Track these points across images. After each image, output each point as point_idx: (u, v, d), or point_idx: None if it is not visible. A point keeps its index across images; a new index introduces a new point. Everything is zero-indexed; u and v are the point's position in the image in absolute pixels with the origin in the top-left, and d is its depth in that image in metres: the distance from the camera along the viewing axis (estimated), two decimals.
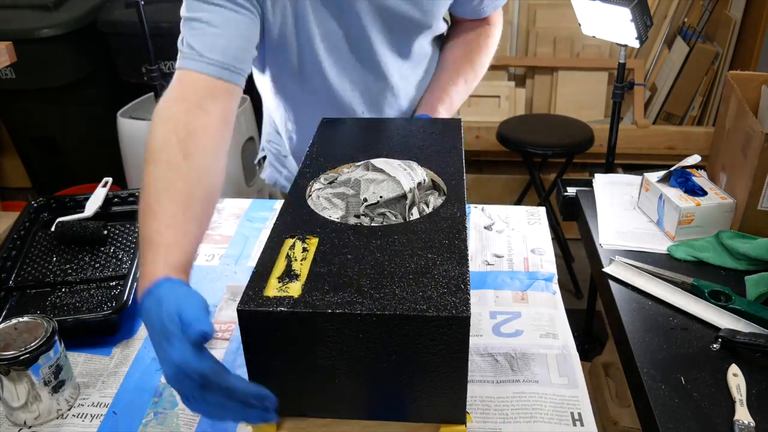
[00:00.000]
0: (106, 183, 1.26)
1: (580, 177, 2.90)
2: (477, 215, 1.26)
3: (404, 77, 1.19)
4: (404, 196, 0.85)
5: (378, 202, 0.85)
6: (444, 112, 1.19)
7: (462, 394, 0.72)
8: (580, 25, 1.87)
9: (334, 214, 0.85)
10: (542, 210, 1.26)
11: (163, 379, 0.89)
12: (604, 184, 1.39)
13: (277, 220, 0.81)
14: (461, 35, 1.23)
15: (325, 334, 0.67)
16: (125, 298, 0.97)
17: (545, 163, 2.70)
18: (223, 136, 0.90)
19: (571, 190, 1.41)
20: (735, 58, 2.87)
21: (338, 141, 1.03)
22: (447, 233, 0.77)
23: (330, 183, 0.93)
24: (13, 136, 2.81)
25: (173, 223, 0.76)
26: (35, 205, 1.24)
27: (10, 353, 0.78)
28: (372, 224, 0.83)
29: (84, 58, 2.60)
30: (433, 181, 0.92)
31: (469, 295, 0.67)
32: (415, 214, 0.85)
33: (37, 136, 2.75)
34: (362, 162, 0.93)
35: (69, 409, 0.85)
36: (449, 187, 0.88)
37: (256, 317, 0.67)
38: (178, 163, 0.81)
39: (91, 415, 0.84)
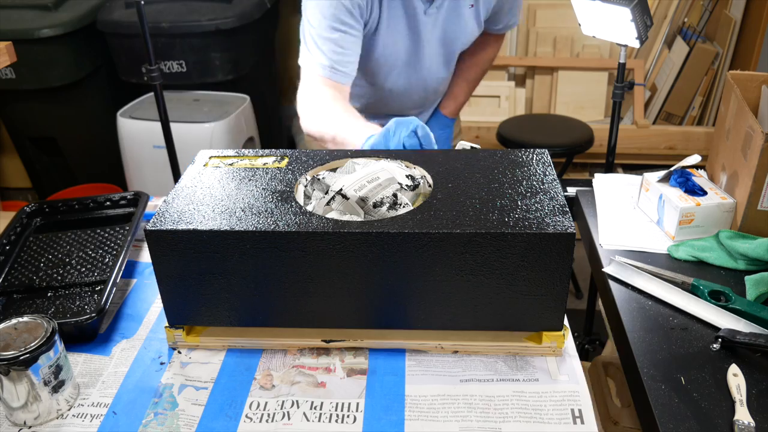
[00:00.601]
0: None
1: (580, 177, 2.91)
2: None
3: (442, 85, 1.59)
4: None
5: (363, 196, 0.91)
6: (452, 106, 1.69)
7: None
8: (580, 25, 1.87)
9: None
10: None
11: (163, 379, 0.89)
12: (604, 184, 1.39)
13: None
14: (468, 57, 1.64)
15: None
16: (103, 302, 0.97)
17: None
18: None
19: (571, 190, 1.41)
20: (735, 58, 2.87)
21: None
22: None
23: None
24: (13, 136, 2.81)
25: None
26: (28, 210, 1.24)
27: (10, 353, 0.78)
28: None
29: (84, 58, 2.59)
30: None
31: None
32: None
33: (37, 136, 2.75)
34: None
35: (69, 409, 0.85)
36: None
37: None
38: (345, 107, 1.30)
39: (91, 415, 0.84)
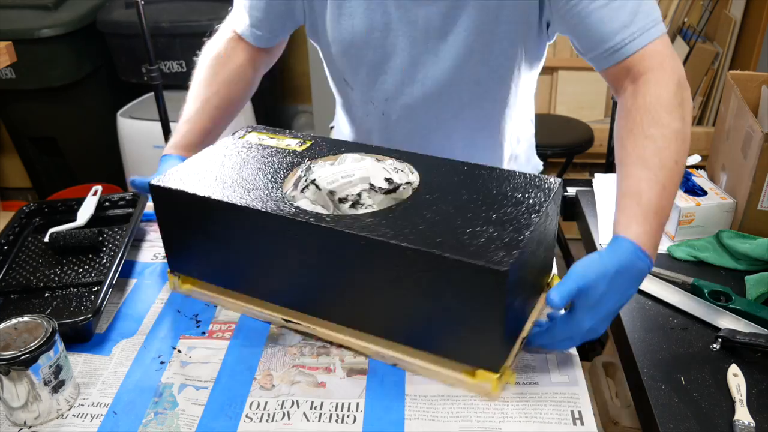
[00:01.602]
0: (96, 191, 1.26)
1: (580, 177, 2.91)
2: None
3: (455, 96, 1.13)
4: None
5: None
6: (635, 222, 0.82)
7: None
8: None
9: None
10: None
11: (163, 379, 0.89)
12: (604, 184, 1.39)
13: None
14: (620, 111, 0.93)
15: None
16: (98, 303, 0.96)
17: (545, 163, 2.70)
18: (246, 71, 1.21)
19: (571, 190, 1.41)
20: (735, 58, 2.87)
21: None
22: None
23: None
24: (13, 136, 2.81)
25: (189, 118, 1.15)
26: (27, 210, 1.24)
27: (10, 353, 0.78)
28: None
29: (84, 58, 2.60)
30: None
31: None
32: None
33: (37, 136, 2.75)
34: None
35: (69, 409, 0.85)
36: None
37: None
38: (208, 77, 1.18)
39: (91, 415, 0.84)
